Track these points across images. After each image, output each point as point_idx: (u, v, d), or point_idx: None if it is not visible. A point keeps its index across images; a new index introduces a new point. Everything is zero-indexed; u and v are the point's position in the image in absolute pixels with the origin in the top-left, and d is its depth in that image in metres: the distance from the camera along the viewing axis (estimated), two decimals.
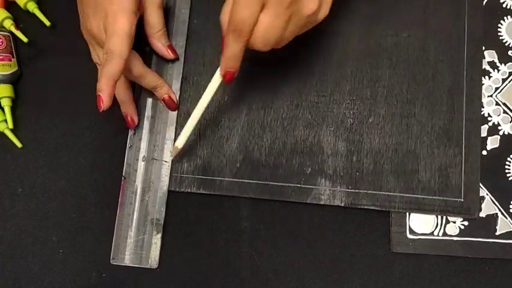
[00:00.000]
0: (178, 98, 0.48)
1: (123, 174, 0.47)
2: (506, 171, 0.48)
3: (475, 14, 0.49)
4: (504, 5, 0.50)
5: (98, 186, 0.48)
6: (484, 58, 0.49)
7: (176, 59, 0.48)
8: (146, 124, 0.48)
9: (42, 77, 0.50)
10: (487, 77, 0.49)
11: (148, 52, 0.48)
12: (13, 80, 0.49)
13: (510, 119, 0.49)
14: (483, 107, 0.49)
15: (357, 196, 0.47)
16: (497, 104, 0.49)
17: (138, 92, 0.48)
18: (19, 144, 0.48)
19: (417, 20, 0.49)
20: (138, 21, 0.43)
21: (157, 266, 0.46)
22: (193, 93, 0.48)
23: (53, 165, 0.48)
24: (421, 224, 0.47)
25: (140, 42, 0.46)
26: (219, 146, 0.48)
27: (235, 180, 0.47)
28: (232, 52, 0.39)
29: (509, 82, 0.49)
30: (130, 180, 0.47)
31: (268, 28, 0.37)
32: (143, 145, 0.47)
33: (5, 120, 0.48)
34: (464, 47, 0.49)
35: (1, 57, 0.48)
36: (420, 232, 0.47)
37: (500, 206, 0.47)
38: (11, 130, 0.48)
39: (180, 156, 0.47)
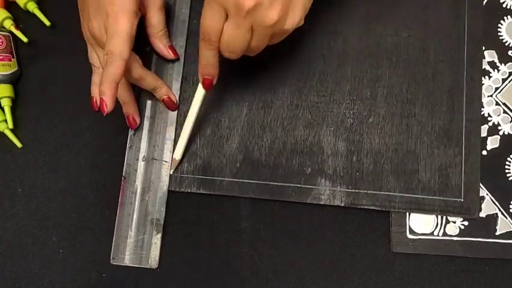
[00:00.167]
0: (178, 98, 0.48)
1: (123, 174, 0.47)
2: (506, 171, 0.48)
3: (475, 14, 0.49)
4: (504, 5, 0.50)
5: (98, 186, 0.48)
6: (484, 58, 0.49)
7: (177, 59, 0.48)
8: (146, 124, 0.48)
9: (42, 77, 0.50)
10: (487, 77, 0.49)
11: (148, 52, 0.48)
12: (13, 80, 0.49)
13: (510, 119, 0.49)
14: (483, 107, 0.49)
15: (357, 196, 0.47)
16: (497, 104, 0.49)
17: (138, 92, 0.48)
18: (19, 144, 0.48)
19: (417, 20, 0.49)
20: (139, 21, 0.43)
21: (157, 266, 0.46)
22: (193, 93, 0.48)
23: (53, 165, 0.48)
24: (421, 224, 0.47)
25: (140, 42, 0.46)
26: (219, 146, 0.48)
27: (235, 180, 0.47)
28: (205, 60, 0.41)
29: (509, 82, 0.49)
30: (130, 180, 0.47)
31: (231, 37, 0.38)
32: (143, 145, 0.47)
33: (5, 120, 0.48)
34: (464, 47, 0.49)
35: (1, 57, 0.48)
36: (420, 232, 0.47)
37: (500, 206, 0.47)
38: (11, 130, 0.48)
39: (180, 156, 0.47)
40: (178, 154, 0.46)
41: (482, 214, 0.47)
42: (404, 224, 0.47)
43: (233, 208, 0.47)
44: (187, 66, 0.49)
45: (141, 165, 0.47)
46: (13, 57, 0.49)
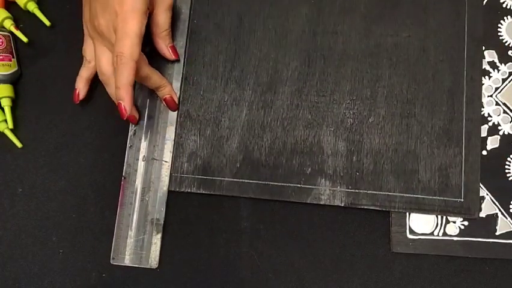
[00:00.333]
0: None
1: (123, 174, 0.47)
2: (506, 171, 0.48)
3: (475, 14, 0.49)
4: (504, 5, 0.50)
5: (98, 186, 0.48)
6: (484, 58, 0.49)
7: (177, 60, 0.48)
8: (146, 124, 0.48)
9: (42, 77, 0.50)
10: (487, 77, 0.49)
11: (148, 52, 0.48)
12: (13, 80, 0.49)
13: (510, 119, 0.49)
14: (483, 107, 0.49)
15: (357, 196, 0.47)
16: (497, 104, 0.49)
17: (138, 92, 0.48)
18: (19, 144, 0.48)
19: (417, 20, 0.49)
20: None
21: (157, 266, 0.46)
22: (193, 93, 0.48)
23: (53, 165, 0.48)
24: (421, 224, 0.47)
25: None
26: (219, 146, 0.48)
27: (235, 180, 0.47)
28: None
29: (509, 82, 0.49)
30: (130, 180, 0.47)
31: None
32: (143, 145, 0.47)
33: (5, 120, 0.48)
34: (464, 47, 0.49)
35: (1, 57, 0.48)
36: (420, 232, 0.47)
37: (500, 206, 0.47)
38: (11, 130, 0.48)
39: (180, 156, 0.47)
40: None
41: (482, 214, 0.47)
42: (404, 224, 0.47)
43: (233, 208, 0.47)
44: (187, 66, 0.49)
45: (141, 165, 0.47)
46: (13, 57, 0.49)
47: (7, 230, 0.47)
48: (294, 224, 0.47)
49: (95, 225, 0.47)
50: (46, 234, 0.47)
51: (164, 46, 0.47)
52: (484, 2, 0.50)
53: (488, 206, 0.47)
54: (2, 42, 0.48)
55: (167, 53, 0.47)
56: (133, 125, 0.47)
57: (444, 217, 0.47)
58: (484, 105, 0.49)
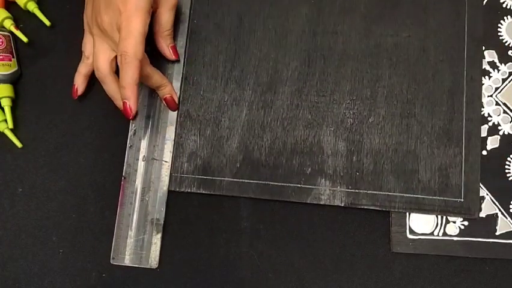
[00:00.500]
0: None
1: (123, 174, 0.47)
2: (506, 171, 0.48)
3: (475, 14, 0.49)
4: (504, 5, 0.50)
5: (98, 186, 0.48)
6: (484, 58, 0.49)
7: (177, 60, 0.48)
8: (146, 124, 0.48)
9: (42, 77, 0.50)
10: (487, 77, 0.49)
11: (149, 52, 0.48)
12: (13, 80, 0.49)
13: (510, 119, 0.49)
14: (483, 107, 0.49)
15: (357, 196, 0.47)
16: (497, 104, 0.49)
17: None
18: (19, 144, 0.48)
19: (417, 20, 0.49)
20: None
21: (157, 266, 0.46)
22: (193, 93, 0.48)
23: (53, 165, 0.48)
24: (421, 224, 0.47)
25: None
26: (219, 146, 0.48)
27: (235, 180, 0.47)
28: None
29: (509, 82, 0.49)
30: (130, 180, 0.47)
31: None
32: (143, 145, 0.47)
33: (5, 120, 0.48)
34: (464, 47, 0.49)
35: (1, 57, 0.48)
36: (420, 232, 0.47)
37: (500, 206, 0.47)
38: (11, 130, 0.48)
39: (180, 156, 0.47)
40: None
41: (482, 214, 0.47)
42: (404, 224, 0.47)
43: (233, 208, 0.47)
44: (187, 66, 0.49)
45: (141, 165, 0.47)
46: (13, 57, 0.49)
47: (7, 230, 0.47)
48: (294, 224, 0.47)
49: (95, 225, 0.47)
50: (46, 234, 0.47)
51: (165, 46, 0.47)
52: (484, 2, 0.50)
53: (488, 206, 0.47)
54: (2, 42, 0.48)
55: (168, 53, 0.47)
56: (133, 125, 0.47)
57: (444, 217, 0.47)
58: (484, 105, 0.49)
